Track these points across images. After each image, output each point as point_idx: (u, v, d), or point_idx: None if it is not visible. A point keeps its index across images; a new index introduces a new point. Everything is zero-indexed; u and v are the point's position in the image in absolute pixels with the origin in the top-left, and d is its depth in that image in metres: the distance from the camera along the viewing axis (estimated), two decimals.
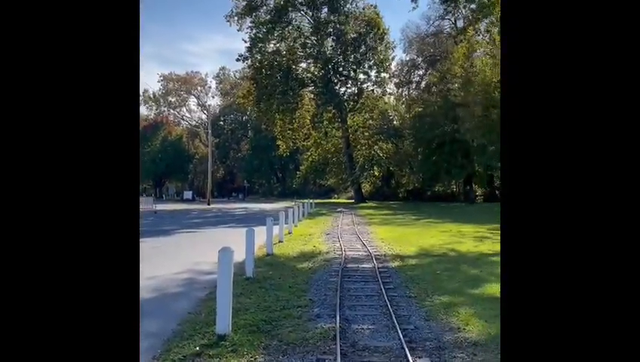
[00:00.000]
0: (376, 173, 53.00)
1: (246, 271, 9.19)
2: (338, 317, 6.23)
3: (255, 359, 5.00)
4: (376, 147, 50.45)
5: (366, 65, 47.99)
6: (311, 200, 37.07)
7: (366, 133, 50.09)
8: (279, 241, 15.33)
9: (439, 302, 7.22)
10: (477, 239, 16.03)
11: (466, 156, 43.53)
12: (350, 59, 47.04)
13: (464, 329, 5.92)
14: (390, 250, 13.53)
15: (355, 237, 16.82)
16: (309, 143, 51.97)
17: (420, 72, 59.49)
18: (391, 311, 6.59)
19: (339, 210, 36.37)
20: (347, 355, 5.04)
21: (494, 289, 8.12)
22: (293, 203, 44.85)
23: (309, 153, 53.95)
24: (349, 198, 57.56)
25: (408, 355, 4.94)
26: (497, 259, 11.69)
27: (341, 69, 47.47)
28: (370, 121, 49.82)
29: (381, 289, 7.95)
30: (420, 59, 58.92)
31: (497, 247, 14.07)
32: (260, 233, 20.69)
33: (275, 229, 22.32)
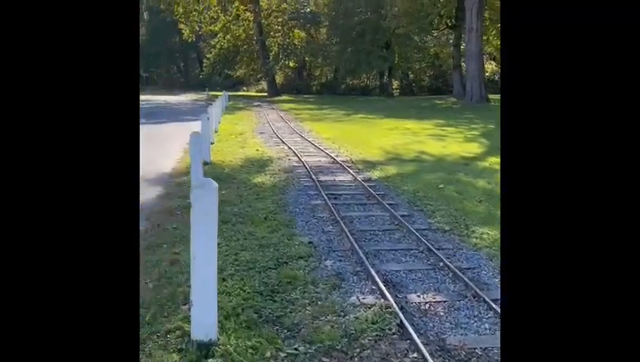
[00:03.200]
0: (292, 64, 49.19)
1: None
2: (380, 282, 3.89)
3: None
4: (291, 35, 46.21)
5: None
6: (225, 93, 33.15)
7: (280, 19, 45.49)
8: (212, 143, 12.39)
9: (492, 239, 5.10)
10: (435, 138, 14.17)
11: (386, 47, 41.16)
12: None
13: None
14: (350, 153, 11.23)
15: (297, 137, 14.27)
16: (216, 28, 46.30)
17: None
18: (445, 261, 4.35)
19: (256, 103, 33.13)
20: None
21: None
22: (204, 95, 40.62)
23: (216, 40, 48.26)
24: (259, 91, 53.66)
25: None
26: (487, 164, 9.87)
27: None
28: (285, 5, 45.09)
29: (397, 218, 5.68)
30: None
31: (470, 148, 12.30)
32: (181, 131, 17.48)
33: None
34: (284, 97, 42.03)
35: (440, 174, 8.60)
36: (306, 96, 45.31)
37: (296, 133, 15.55)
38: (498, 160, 10.27)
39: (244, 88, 58.71)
